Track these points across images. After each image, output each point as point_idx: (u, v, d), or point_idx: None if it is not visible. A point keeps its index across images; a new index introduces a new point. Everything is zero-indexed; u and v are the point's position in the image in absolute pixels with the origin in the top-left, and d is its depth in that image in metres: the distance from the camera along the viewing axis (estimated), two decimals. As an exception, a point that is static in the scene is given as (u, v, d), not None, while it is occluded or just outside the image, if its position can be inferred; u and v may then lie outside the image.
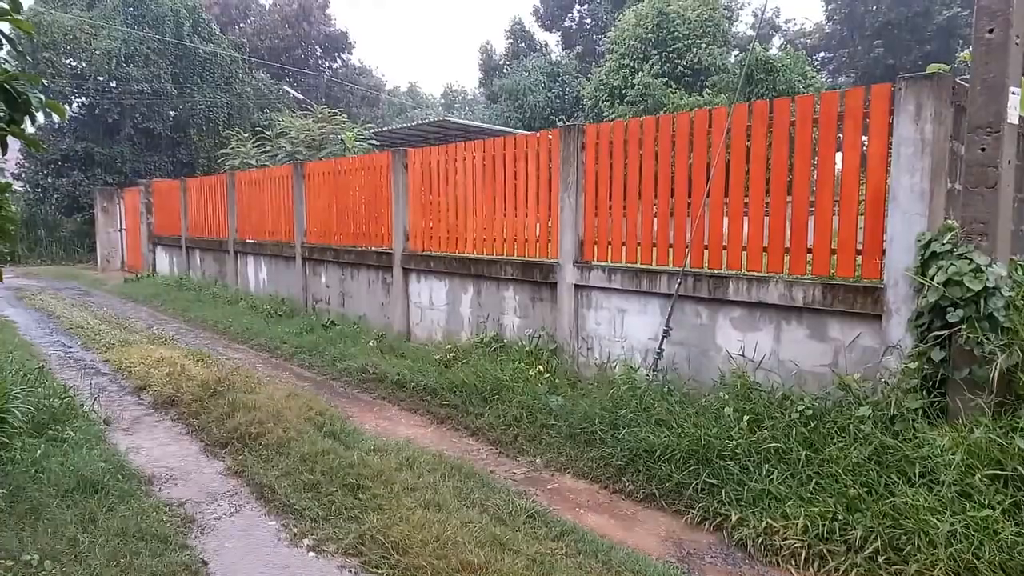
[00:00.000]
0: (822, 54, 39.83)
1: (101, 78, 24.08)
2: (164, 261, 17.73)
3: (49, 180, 24.65)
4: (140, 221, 18.84)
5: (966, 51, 4.43)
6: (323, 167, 11.07)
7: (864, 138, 4.69)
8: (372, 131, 18.90)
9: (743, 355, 5.16)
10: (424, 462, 4.67)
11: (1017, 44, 4.03)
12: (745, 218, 5.37)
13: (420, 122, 22.44)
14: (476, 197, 7.95)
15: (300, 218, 11.27)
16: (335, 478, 4.36)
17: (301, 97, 27.39)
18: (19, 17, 3.71)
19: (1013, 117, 4.07)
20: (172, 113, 25.90)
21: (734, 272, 5.35)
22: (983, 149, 4.02)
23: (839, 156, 4.89)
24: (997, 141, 3.99)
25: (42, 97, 4.03)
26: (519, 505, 4.06)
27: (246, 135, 18.56)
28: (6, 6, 3.54)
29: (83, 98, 24.65)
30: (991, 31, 4.01)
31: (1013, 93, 4.05)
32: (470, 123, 21.76)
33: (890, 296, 4.31)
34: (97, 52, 23.31)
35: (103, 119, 24.22)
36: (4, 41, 3.72)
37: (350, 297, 10.20)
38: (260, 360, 8.64)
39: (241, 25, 38.44)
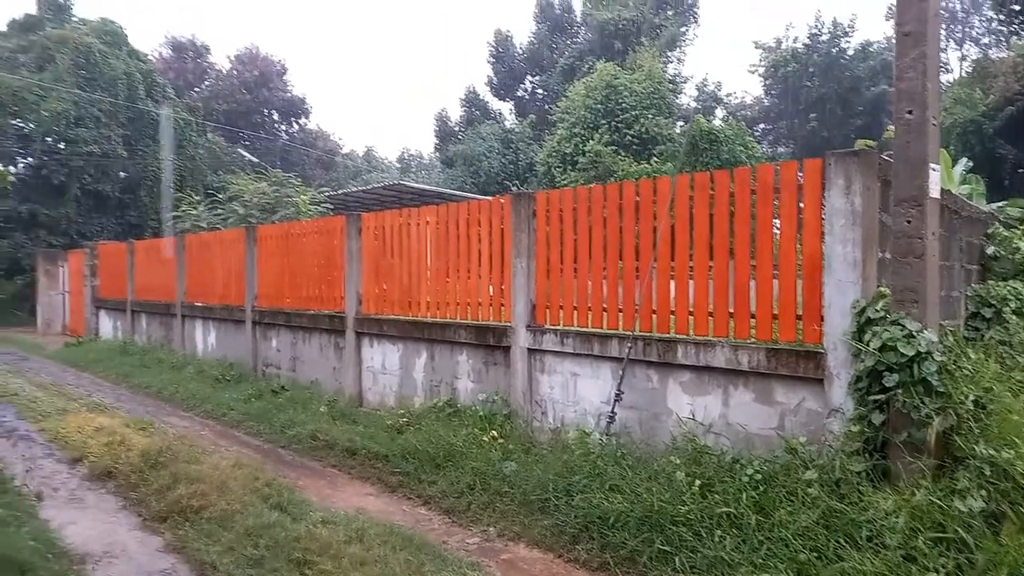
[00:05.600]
0: (762, 125, 41.99)
1: (49, 139, 23.70)
2: (108, 325, 17.16)
3: (-10, 242, 23.82)
4: (84, 284, 18.27)
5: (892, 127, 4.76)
6: (276, 230, 11.01)
7: (800, 205, 4.93)
8: (327, 194, 18.97)
9: (693, 418, 5.23)
10: (374, 534, 4.54)
11: (934, 125, 4.35)
12: (691, 283, 5.53)
13: (375, 185, 22.64)
14: (430, 261, 8.01)
15: (251, 281, 11.11)
16: (281, 553, 4.20)
17: (256, 160, 27.42)
18: None
19: (935, 192, 4.35)
20: (122, 174, 25.54)
21: (682, 336, 5.47)
22: (909, 221, 4.27)
23: (777, 223, 5.13)
24: (921, 214, 4.25)
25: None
26: (472, 578, 3.97)
27: (198, 198, 18.40)
28: None
29: (29, 159, 24.15)
30: (910, 112, 4.32)
31: (933, 170, 4.35)
32: (425, 187, 22.06)
33: (830, 360, 4.46)
34: (46, 114, 22.99)
35: (50, 180, 23.69)
36: None
37: (301, 361, 10.01)
38: (206, 428, 8.35)
39: (197, 89, 38.55)
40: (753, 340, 5.01)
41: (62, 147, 23.97)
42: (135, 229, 25.41)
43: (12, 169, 24.08)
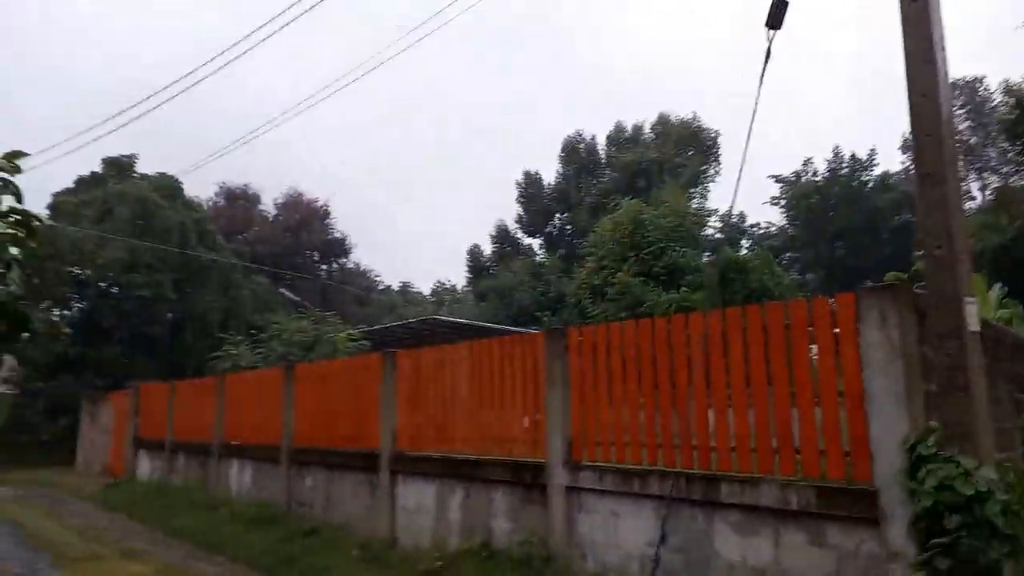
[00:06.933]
0: (788, 254, 42.39)
1: (103, 284, 24.99)
2: (146, 465, 17.18)
3: (39, 384, 24.53)
4: (126, 424, 18.53)
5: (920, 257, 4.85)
6: (313, 369, 11.23)
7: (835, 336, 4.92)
8: (363, 330, 19.42)
9: (744, 562, 4.97)
10: None
11: (964, 259, 4.41)
12: (729, 416, 5.44)
13: (411, 320, 23.17)
14: (464, 396, 8.04)
15: (288, 419, 11.18)
16: None
17: (297, 299, 28.47)
18: (32, 244, 4.01)
19: (973, 325, 4.33)
20: (169, 316, 26.57)
21: (726, 473, 5.31)
22: (949, 355, 4.23)
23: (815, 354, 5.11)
24: (962, 348, 4.21)
25: (43, 319, 4.27)
26: None
27: (240, 338, 18.95)
28: (22, 234, 3.87)
29: (83, 303, 25.36)
30: (939, 248, 4.40)
31: (969, 303, 4.35)
32: (458, 320, 22.50)
33: (884, 500, 4.28)
34: (101, 261, 24.42)
35: (100, 323, 24.73)
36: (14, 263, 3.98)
37: (335, 501, 9.84)
38: (237, 574, 8.12)
39: (244, 234, 40.76)
40: (801, 478, 4.85)
41: (114, 292, 25.20)
42: (178, 369, 26.01)
43: (67, 313, 25.26)
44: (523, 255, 41.74)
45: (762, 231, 44.36)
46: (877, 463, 4.38)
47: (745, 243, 40.93)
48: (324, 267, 45.38)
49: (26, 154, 3.76)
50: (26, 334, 4.06)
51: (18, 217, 3.77)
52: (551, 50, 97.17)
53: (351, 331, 17.93)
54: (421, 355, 8.88)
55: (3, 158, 3.61)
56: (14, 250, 3.83)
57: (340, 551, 8.12)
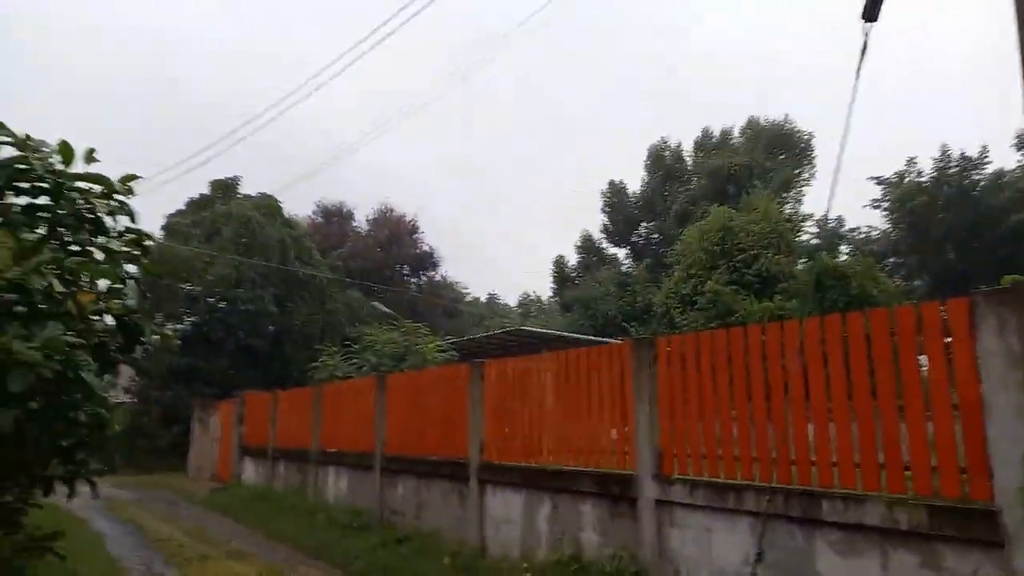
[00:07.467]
0: (892, 259, 39.99)
1: (211, 300, 26.65)
2: (251, 470, 18.11)
3: (155, 393, 26.39)
4: (232, 431, 19.61)
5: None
6: (404, 379, 11.50)
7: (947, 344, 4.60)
8: (451, 341, 19.78)
9: (849, 584, 4.70)
10: None
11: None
12: (830, 430, 5.19)
13: (497, 331, 23.41)
14: (551, 407, 8.03)
15: (380, 428, 11.52)
16: None
17: (388, 311, 29.39)
18: (144, 261, 4.29)
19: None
20: (271, 328, 28.00)
21: (827, 490, 5.05)
22: (1080, 362, 3.88)
23: (924, 365, 4.80)
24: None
25: (156, 331, 4.54)
26: None
27: (335, 349, 19.72)
28: (136, 252, 4.14)
29: (194, 317, 27.11)
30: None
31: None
32: (544, 331, 22.53)
33: (1007, 520, 3.95)
34: (211, 278, 26.07)
35: (208, 336, 26.36)
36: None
37: (425, 509, 10.03)
38: (333, 578, 8.42)
39: (339, 250, 42.47)
40: (911, 495, 4.55)
41: (222, 307, 26.83)
42: (280, 379, 27.31)
43: (179, 327, 27.08)
44: (608, 265, 41.39)
45: (862, 236, 42.11)
46: (998, 481, 4.06)
47: (845, 249, 38.97)
48: (414, 280, 46.57)
49: (139, 177, 4.06)
50: (140, 346, 4.34)
51: (132, 236, 4.06)
52: (636, 54, 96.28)
53: (439, 342, 18.29)
54: (508, 365, 8.95)
55: (119, 181, 3.89)
56: (130, 267, 4.12)
57: (431, 559, 8.26)
